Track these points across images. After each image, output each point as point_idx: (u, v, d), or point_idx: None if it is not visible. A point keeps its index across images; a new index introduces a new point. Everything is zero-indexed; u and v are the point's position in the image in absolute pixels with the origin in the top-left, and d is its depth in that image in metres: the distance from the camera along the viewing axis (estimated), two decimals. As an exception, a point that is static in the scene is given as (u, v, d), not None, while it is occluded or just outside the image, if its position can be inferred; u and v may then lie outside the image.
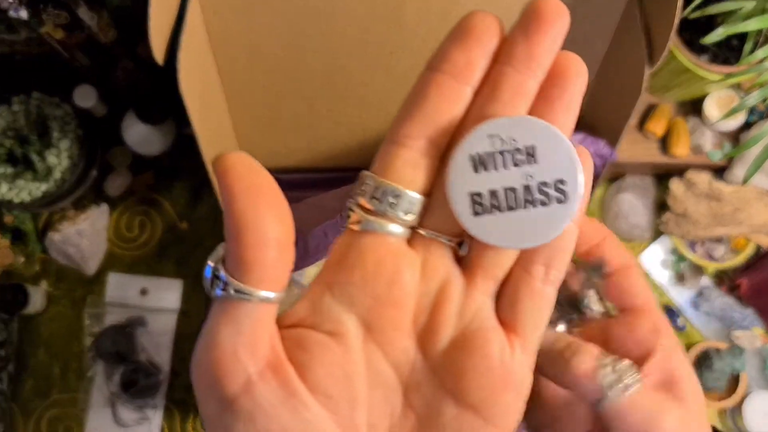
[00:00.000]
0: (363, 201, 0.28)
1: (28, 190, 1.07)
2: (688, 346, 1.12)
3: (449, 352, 0.28)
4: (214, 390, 0.25)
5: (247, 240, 0.25)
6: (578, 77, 0.28)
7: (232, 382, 0.25)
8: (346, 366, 0.27)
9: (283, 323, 0.28)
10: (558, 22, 0.27)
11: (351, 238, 0.28)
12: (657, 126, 1.06)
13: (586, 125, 0.96)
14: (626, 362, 0.33)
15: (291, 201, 0.89)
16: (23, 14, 0.94)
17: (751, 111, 1.07)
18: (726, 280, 1.15)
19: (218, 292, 0.25)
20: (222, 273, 0.25)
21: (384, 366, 0.28)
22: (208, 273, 0.26)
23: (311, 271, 1.05)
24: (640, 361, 0.36)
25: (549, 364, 0.34)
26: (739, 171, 1.07)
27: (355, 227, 0.28)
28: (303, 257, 0.90)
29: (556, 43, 0.28)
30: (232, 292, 0.25)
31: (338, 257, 0.28)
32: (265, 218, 0.25)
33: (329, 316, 0.28)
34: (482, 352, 0.28)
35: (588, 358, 0.33)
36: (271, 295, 0.25)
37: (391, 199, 0.27)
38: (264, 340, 0.26)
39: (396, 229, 0.28)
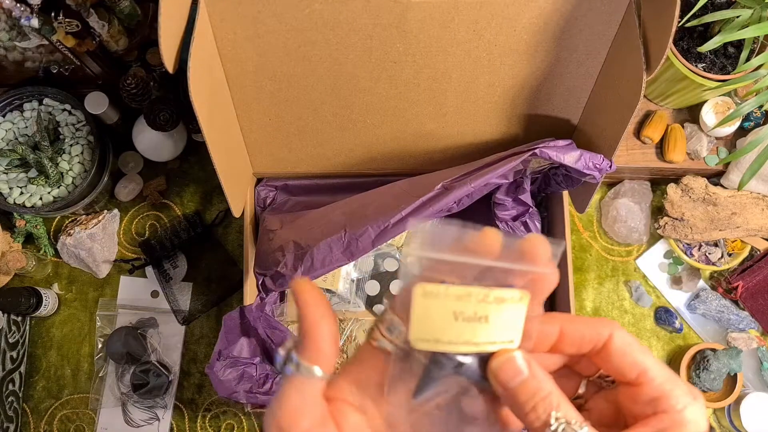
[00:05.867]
0: (381, 326, 0.38)
1: (40, 195, 1.08)
2: (686, 348, 1.14)
3: None
4: None
5: (319, 338, 0.37)
6: (539, 254, 0.37)
7: (296, 429, 0.37)
8: (367, 429, 0.39)
9: (327, 396, 0.39)
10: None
11: (370, 349, 0.39)
12: (654, 132, 1.07)
13: (584, 133, 0.97)
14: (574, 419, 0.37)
15: (298, 206, 0.91)
16: (35, 22, 0.95)
17: (747, 117, 1.08)
18: (722, 282, 1.16)
19: (289, 370, 0.37)
20: (295, 357, 0.37)
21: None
22: (279, 359, 0.38)
23: (318, 282, 1.07)
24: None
25: (510, 404, 0.38)
26: (734, 176, 1.08)
27: (374, 344, 0.38)
28: (309, 270, 0.92)
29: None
30: (302, 370, 0.37)
31: (360, 360, 0.39)
32: (329, 326, 0.38)
33: (356, 398, 0.39)
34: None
35: (543, 413, 0.37)
36: (326, 373, 0.37)
37: (396, 329, 0.37)
38: (318, 404, 0.37)
39: (397, 348, 0.38)
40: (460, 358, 0.37)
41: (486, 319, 0.36)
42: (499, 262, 0.36)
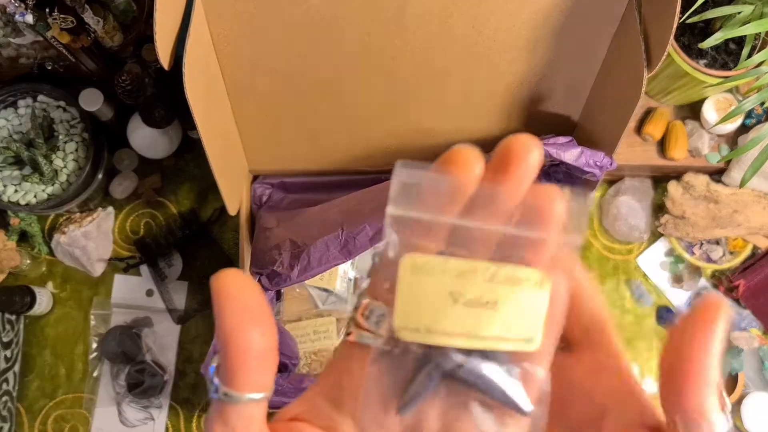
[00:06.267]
0: (356, 316, 0.30)
1: (34, 192, 1.07)
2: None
3: None
4: None
5: (232, 353, 0.28)
6: (554, 211, 0.28)
7: None
8: None
9: (283, 416, 0.31)
10: (525, 162, 0.28)
11: (345, 348, 0.31)
12: (655, 129, 1.07)
13: (585, 130, 0.96)
14: None
15: (295, 203, 0.89)
16: (29, 18, 0.94)
17: (749, 114, 1.08)
18: (724, 281, 1.15)
19: (213, 395, 0.29)
20: (215, 379, 0.28)
21: None
22: (210, 371, 0.29)
23: (314, 281, 1.06)
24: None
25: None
26: (736, 173, 1.08)
27: (351, 339, 0.30)
28: (306, 269, 0.91)
29: (525, 183, 0.28)
30: (222, 395, 0.28)
31: (333, 364, 0.31)
32: (249, 333, 0.28)
33: (324, 414, 0.31)
34: None
35: None
36: (256, 396, 0.28)
37: (376, 317, 0.29)
38: None
39: (381, 342, 0.29)
40: (460, 358, 0.28)
41: (494, 305, 0.27)
42: (484, 221, 0.28)
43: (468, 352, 0.28)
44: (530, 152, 0.28)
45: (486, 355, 0.28)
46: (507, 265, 0.28)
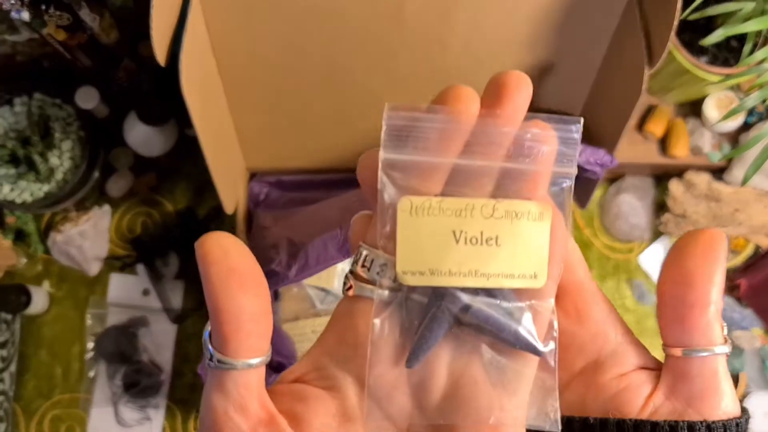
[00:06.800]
0: (356, 268, 0.29)
1: (30, 191, 1.07)
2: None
3: (442, 406, 0.29)
4: None
5: (222, 319, 0.27)
6: (547, 149, 0.28)
7: None
8: (341, 418, 0.29)
9: (285, 379, 0.30)
10: (518, 95, 0.27)
11: (346, 303, 0.29)
12: (656, 127, 1.06)
13: (585, 127, 0.96)
14: None
15: (292, 202, 0.89)
16: (25, 16, 0.94)
17: (751, 112, 1.07)
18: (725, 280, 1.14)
19: (209, 363, 0.28)
20: (209, 347, 0.28)
21: (381, 421, 0.29)
22: (204, 336, 0.29)
23: (312, 280, 1.05)
24: None
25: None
26: (738, 172, 1.07)
27: (351, 293, 0.29)
28: (304, 268, 0.91)
29: (518, 117, 0.28)
30: (216, 363, 0.28)
31: (335, 320, 0.30)
32: (238, 297, 0.27)
33: (326, 374, 0.29)
34: (472, 404, 0.28)
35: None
36: (252, 361, 0.28)
37: (378, 268, 0.28)
38: (252, 400, 0.28)
39: (384, 294, 0.28)
40: (466, 298, 0.27)
41: (496, 241, 0.27)
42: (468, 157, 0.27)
43: (474, 293, 0.28)
44: (524, 86, 0.28)
45: (493, 294, 0.28)
46: (504, 200, 0.27)
